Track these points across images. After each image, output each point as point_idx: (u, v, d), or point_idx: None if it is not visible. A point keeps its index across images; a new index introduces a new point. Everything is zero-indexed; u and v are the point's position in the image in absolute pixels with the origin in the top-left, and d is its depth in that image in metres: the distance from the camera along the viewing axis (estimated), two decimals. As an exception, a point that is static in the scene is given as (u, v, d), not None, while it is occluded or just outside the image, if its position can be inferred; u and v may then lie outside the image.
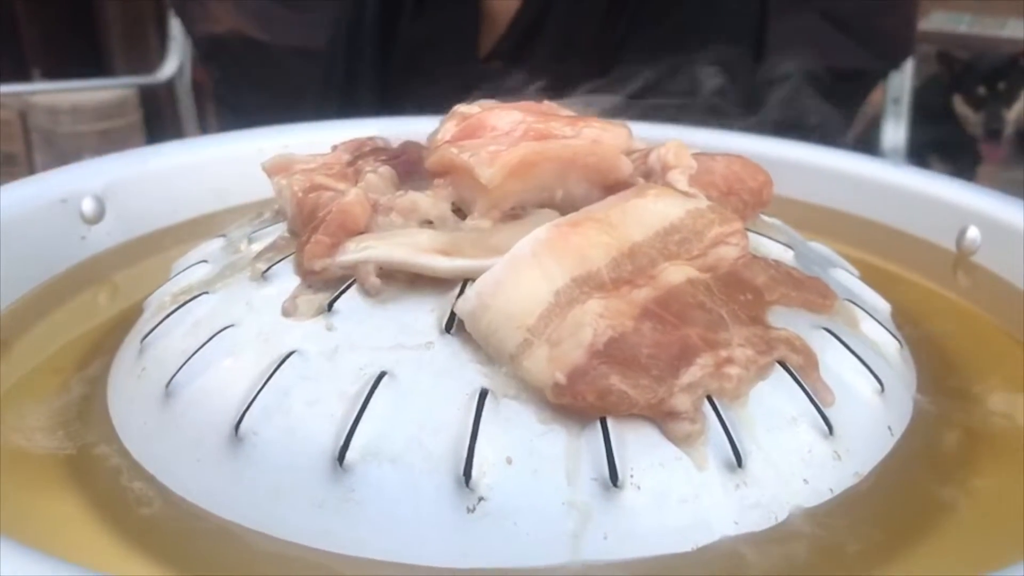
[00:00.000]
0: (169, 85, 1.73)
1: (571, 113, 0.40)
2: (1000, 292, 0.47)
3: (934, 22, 1.99)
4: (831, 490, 0.32)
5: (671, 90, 0.66)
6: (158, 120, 2.07)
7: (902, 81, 1.40)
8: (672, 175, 0.39)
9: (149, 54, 2.11)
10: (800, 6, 0.96)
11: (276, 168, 0.40)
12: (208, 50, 1.55)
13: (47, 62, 2.19)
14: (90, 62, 2.20)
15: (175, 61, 1.71)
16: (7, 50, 2.17)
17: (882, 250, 0.52)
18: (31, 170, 2.08)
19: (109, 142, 2.03)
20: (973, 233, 0.49)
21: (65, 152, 2.04)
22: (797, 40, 0.91)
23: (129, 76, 2.13)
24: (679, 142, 0.39)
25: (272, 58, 1.39)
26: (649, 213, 0.35)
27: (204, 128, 1.77)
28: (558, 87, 0.65)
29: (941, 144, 1.78)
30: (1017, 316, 0.45)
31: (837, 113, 0.99)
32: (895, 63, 1.26)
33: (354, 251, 0.34)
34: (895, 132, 1.42)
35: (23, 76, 2.15)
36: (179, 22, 1.64)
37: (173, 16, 1.66)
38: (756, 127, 0.62)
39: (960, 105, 1.82)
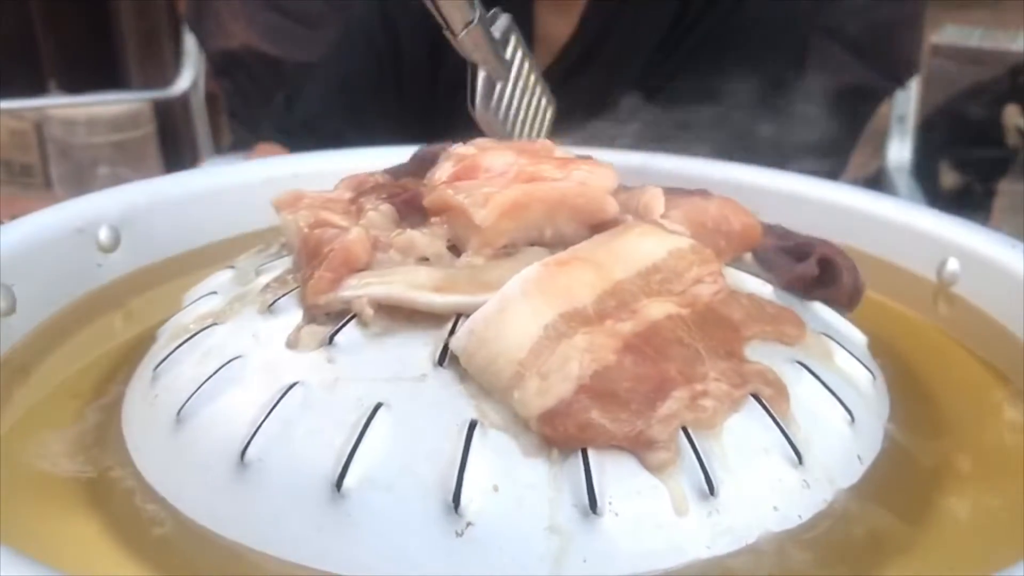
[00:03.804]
0: (183, 98, 1.76)
1: (564, 154, 0.42)
2: (977, 323, 0.48)
3: (946, 35, 2.00)
4: (800, 516, 0.34)
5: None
6: (172, 132, 2.10)
7: (908, 99, 1.41)
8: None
9: (164, 68, 2.14)
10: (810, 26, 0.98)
11: (284, 203, 0.42)
12: (222, 64, 1.58)
13: (63, 74, 2.22)
14: (106, 75, 2.23)
15: (189, 75, 1.74)
16: (24, 62, 2.21)
17: (866, 279, 0.54)
18: (47, 180, 2.11)
19: (124, 153, 2.07)
20: (953, 265, 0.51)
21: (80, 163, 2.08)
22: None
23: (144, 89, 2.17)
24: (657, 191, 0.42)
25: (284, 73, 1.41)
26: (633, 253, 0.37)
27: (217, 140, 1.80)
28: (606, 113, 0.67)
29: (967, 153, 1.74)
30: (993, 347, 0.47)
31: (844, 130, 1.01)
32: (901, 81, 1.28)
33: (355, 287, 0.36)
34: (900, 150, 1.44)
35: (40, 88, 2.19)
36: (193, 37, 1.67)
37: (188, 31, 1.69)
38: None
39: (1014, 116, 1.78)
